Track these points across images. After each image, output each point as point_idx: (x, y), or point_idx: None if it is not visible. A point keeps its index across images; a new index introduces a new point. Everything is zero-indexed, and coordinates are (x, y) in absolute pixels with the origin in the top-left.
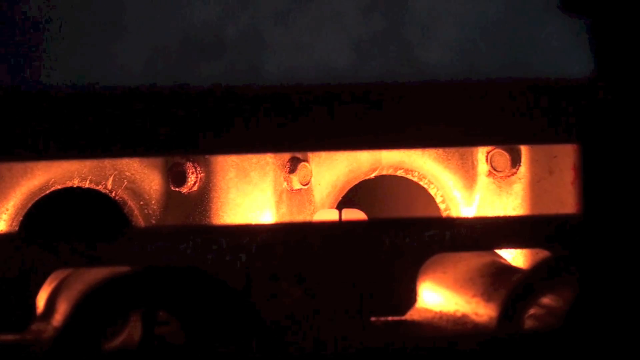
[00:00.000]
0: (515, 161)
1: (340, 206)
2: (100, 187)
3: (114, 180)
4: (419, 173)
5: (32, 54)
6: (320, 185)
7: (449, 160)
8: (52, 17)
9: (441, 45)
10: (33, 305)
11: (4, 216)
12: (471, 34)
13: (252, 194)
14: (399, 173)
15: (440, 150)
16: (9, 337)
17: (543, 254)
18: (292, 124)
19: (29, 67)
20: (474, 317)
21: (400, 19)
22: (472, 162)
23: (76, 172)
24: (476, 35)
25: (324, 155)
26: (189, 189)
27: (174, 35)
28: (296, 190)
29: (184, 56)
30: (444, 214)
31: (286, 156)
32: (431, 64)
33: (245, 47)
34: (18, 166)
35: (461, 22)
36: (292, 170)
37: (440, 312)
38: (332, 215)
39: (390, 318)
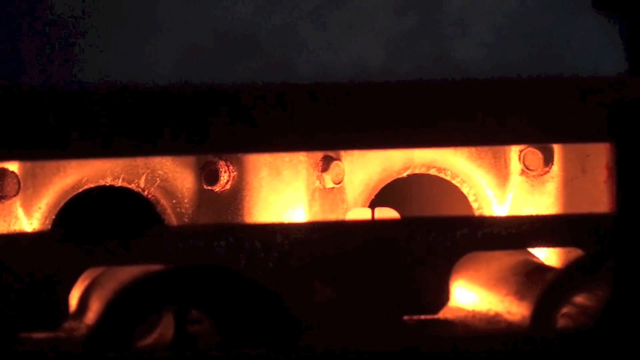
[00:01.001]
0: (548, 160)
1: (373, 205)
2: (132, 186)
3: (146, 179)
4: (451, 172)
5: (64, 53)
6: (352, 183)
7: (482, 158)
8: (84, 15)
9: (474, 42)
10: (66, 303)
11: (37, 214)
12: (504, 32)
13: (284, 192)
14: (432, 172)
15: (472, 149)
16: (43, 335)
17: (576, 252)
18: (325, 122)
19: (60, 66)
20: (507, 316)
21: (433, 16)
22: (505, 161)
23: (109, 171)
24: (509, 33)
25: (356, 153)
26: (222, 188)
27: (208, 33)
28: (329, 188)
29: (217, 54)
30: (477, 213)
31: (319, 155)
32: (464, 62)
33: (279, 46)
34: (51, 164)
35: (494, 20)
36: (325, 168)
37: (473, 311)
38: (364, 214)
39: (423, 317)
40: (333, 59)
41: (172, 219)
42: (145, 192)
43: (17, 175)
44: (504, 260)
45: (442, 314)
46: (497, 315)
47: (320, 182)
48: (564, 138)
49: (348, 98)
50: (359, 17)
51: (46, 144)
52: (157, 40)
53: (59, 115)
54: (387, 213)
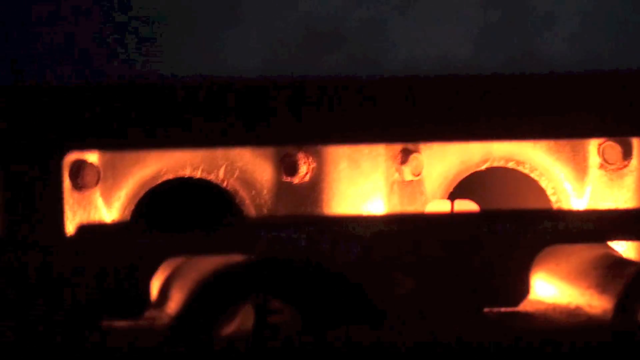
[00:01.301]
0: (627, 153)
1: (452, 197)
2: (211, 177)
3: (225, 170)
4: (530, 165)
5: (149, 46)
6: (431, 176)
7: (560, 152)
8: (168, 8)
9: (561, 35)
10: (147, 292)
11: (117, 205)
12: (591, 25)
13: (363, 184)
14: (510, 165)
15: (551, 142)
16: (124, 323)
17: None
18: (406, 115)
19: (145, 59)
20: (588, 309)
21: (519, 9)
22: (584, 155)
23: (188, 162)
24: (596, 26)
25: (435, 146)
26: (301, 180)
27: (295, 27)
28: (407, 181)
29: (304, 48)
30: (555, 206)
31: (398, 147)
32: (550, 55)
33: (365, 39)
34: (130, 155)
35: (581, 13)
36: (404, 161)
37: (554, 303)
38: (444, 206)
39: (503, 309)
40: (420, 52)
41: (251, 211)
42: (225, 184)
43: (97, 166)
44: (584, 253)
45: (523, 307)
46: (577, 308)
47: (399, 175)
48: None
49: (430, 91)
50: (445, 10)
51: (127, 135)
52: (244, 34)
53: (139, 106)
54: (466, 205)
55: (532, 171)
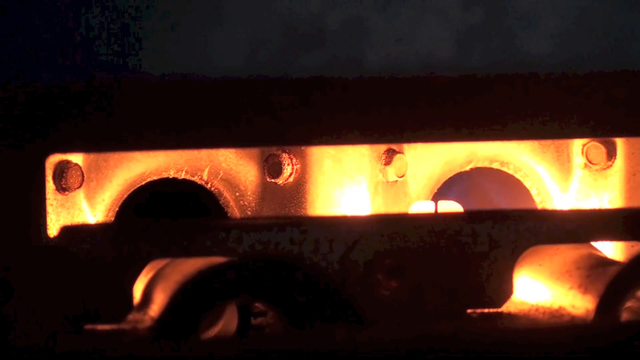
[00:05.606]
0: (611, 154)
1: (436, 198)
2: (196, 178)
3: (209, 172)
4: (514, 165)
5: (131, 44)
6: (415, 177)
7: (545, 152)
8: (151, 6)
9: (542, 36)
10: (130, 295)
11: (101, 206)
12: (572, 25)
13: (347, 185)
14: (494, 165)
15: (535, 143)
16: (107, 326)
17: (639, 246)
18: (389, 116)
19: (128, 57)
20: (570, 309)
21: (501, 9)
22: (568, 155)
23: (172, 163)
24: (578, 26)
25: (419, 147)
26: (285, 180)
27: (276, 26)
28: (392, 182)
29: (285, 47)
30: (540, 207)
31: (382, 148)
32: (532, 55)
33: (347, 38)
34: (114, 157)
35: (563, 13)
36: (388, 162)
37: (537, 304)
38: (428, 207)
39: (486, 310)
40: (402, 52)
41: (236, 212)
42: (209, 185)
43: (80, 168)
44: (567, 254)
45: (506, 308)
46: (560, 308)
47: (383, 176)
48: (628, 132)
49: (414, 91)
50: (427, 9)
51: (110, 137)
52: (225, 32)
53: (122, 107)
54: (450, 206)
55: (516, 172)
